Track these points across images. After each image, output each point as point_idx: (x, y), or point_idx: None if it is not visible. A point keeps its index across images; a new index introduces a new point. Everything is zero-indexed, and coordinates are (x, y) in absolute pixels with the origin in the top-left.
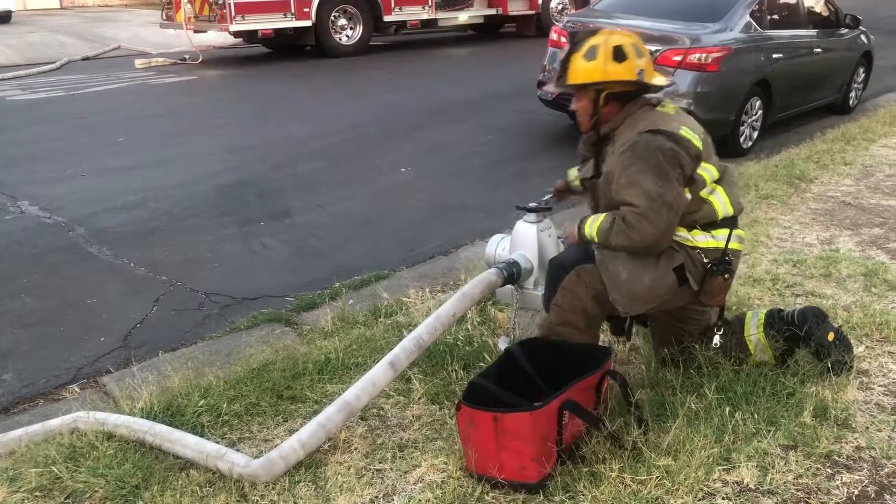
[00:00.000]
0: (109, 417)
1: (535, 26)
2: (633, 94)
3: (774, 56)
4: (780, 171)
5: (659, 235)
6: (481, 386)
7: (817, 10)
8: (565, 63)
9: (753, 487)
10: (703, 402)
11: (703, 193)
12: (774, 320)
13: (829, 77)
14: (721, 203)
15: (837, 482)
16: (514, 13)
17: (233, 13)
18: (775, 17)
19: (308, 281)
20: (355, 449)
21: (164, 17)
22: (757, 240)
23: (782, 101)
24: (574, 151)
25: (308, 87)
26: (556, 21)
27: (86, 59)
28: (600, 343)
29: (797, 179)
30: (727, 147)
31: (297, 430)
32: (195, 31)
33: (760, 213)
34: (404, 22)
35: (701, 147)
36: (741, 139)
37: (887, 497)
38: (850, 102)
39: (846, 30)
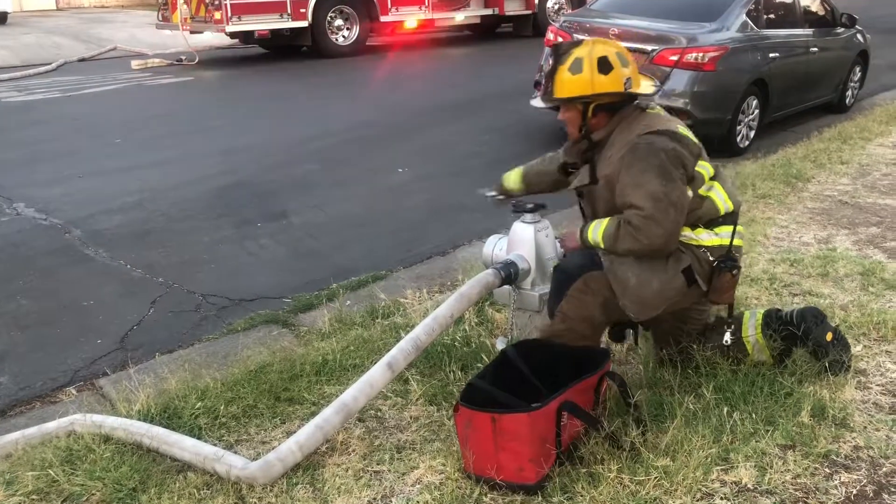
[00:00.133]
0: (106, 420)
1: (532, 26)
2: (620, 104)
3: (771, 55)
4: (776, 171)
5: (667, 236)
6: (479, 387)
7: (813, 9)
8: (551, 77)
9: (752, 487)
10: (702, 403)
11: (702, 191)
12: (772, 321)
13: (825, 76)
14: (721, 199)
15: (836, 482)
16: (511, 13)
17: (229, 14)
18: (772, 16)
19: (305, 282)
20: (353, 451)
21: (161, 18)
22: (754, 239)
23: (779, 100)
24: None
25: (304, 88)
26: (553, 21)
27: (82, 60)
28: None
29: (794, 179)
30: (724, 146)
31: (294, 431)
32: (191, 32)
33: (758, 213)
34: (401, 22)
35: (698, 144)
36: (738, 138)
37: (885, 496)
38: (847, 101)
39: (842, 29)
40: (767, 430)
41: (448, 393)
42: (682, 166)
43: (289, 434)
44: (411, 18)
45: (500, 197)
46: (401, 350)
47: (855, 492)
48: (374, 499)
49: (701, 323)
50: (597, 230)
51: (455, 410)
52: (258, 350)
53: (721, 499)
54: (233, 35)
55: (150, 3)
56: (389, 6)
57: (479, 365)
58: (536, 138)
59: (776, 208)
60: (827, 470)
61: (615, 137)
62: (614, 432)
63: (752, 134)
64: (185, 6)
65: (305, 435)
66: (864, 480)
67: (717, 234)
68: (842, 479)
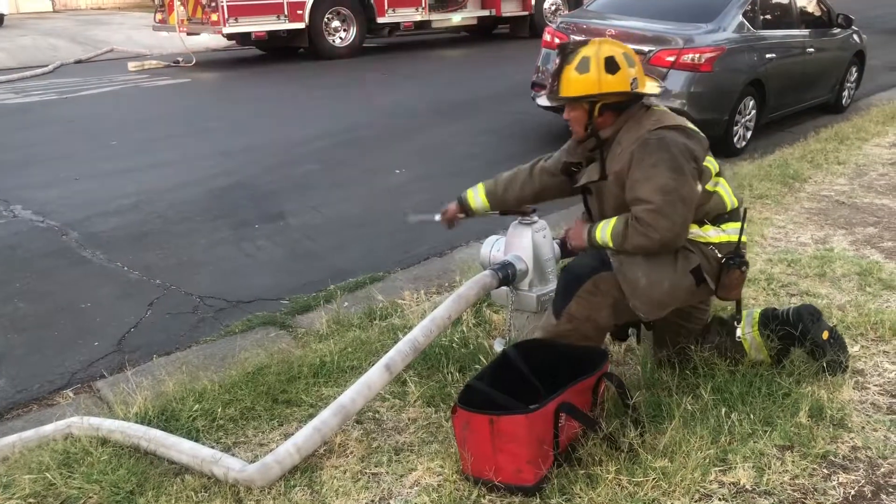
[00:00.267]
0: (104, 423)
1: (529, 27)
2: (626, 104)
3: (767, 56)
4: (773, 171)
5: (676, 230)
6: (477, 388)
7: (810, 9)
8: (557, 75)
9: (750, 488)
10: (700, 403)
11: (709, 186)
12: (769, 319)
13: (822, 76)
14: (728, 194)
15: (834, 482)
16: (508, 14)
17: (226, 15)
18: (768, 17)
19: (303, 283)
20: (351, 453)
21: (157, 20)
22: (751, 239)
23: (776, 100)
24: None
25: (302, 90)
26: (550, 22)
27: (78, 62)
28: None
29: (791, 179)
30: (721, 147)
31: (292, 434)
32: (188, 34)
33: (755, 213)
34: (398, 24)
35: (706, 139)
36: (735, 139)
37: (884, 497)
38: (843, 102)
39: (838, 29)
40: (765, 431)
41: (446, 394)
42: (694, 160)
43: (286, 436)
44: (408, 19)
45: (445, 221)
46: (399, 352)
47: (853, 492)
48: (373, 501)
49: (703, 322)
50: (605, 230)
51: (453, 412)
52: (256, 352)
53: (719, 500)
54: (230, 37)
55: (146, 4)
56: (386, 7)
57: (478, 366)
58: (533, 139)
59: (773, 209)
60: (825, 470)
61: (623, 135)
62: (612, 433)
63: (748, 134)
64: (181, 8)
65: (303, 437)
66: (863, 481)
67: (724, 231)
68: (840, 480)
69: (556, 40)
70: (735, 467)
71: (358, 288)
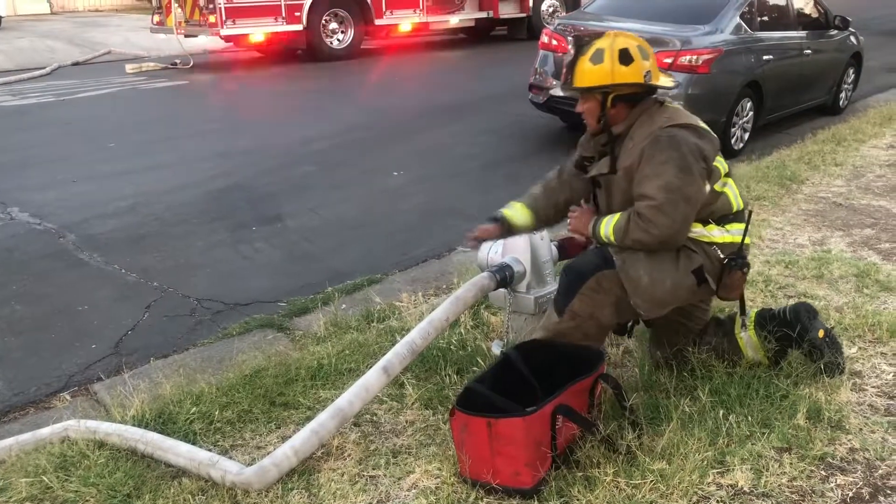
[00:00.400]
0: (101, 426)
1: (527, 29)
2: (640, 96)
3: (765, 57)
4: (771, 173)
5: (677, 227)
6: (475, 391)
7: (807, 11)
8: (572, 66)
9: (748, 490)
10: (697, 405)
11: (718, 186)
12: (766, 320)
13: (819, 78)
14: (735, 195)
15: (832, 484)
16: (505, 16)
17: (223, 17)
18: (765, 18)
19: (300, 286)
20: (349, 455)
21: (155, 22)
22: (749, 241)
23: (773, 102)
24: (567, 154)
25: (299, 91)
26: (547, 24)
27: (76, 64)
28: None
29: (788, 180)
30: None
31: (289, 436)
32: (186, 36)
33: (752, 215)
34: (395, 25)
35: (718, 138)
36: (732, 141)
37: (882, 499)
38: (841, 103)
39: (836, 31)
40: (763, 433)
41: (444, 397)
42: (703, 160)
43: (284, 439)
44: (406, 21)
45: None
46: (396, 354)
47: (851, 494)
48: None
49: (703, 322)
50: (609, 225)
51: (451, 415)
52: (253, 354)
53: (717, 502)
54: (227, 39)
55: (144, 6)
56: (384, 9)
57: (475, 368)
58: (531, 140)
59: (771, 210)
60: (823, 472)
61: (635, 130)
62: (610, 435)
63: (746, 136)
64: (179, 10)
65: (301, 440)
66: (860, 483)
67: (728, 231)
68: (838, 482)
69: (554, 42)
70: (733, 469)
71: (356, 290)
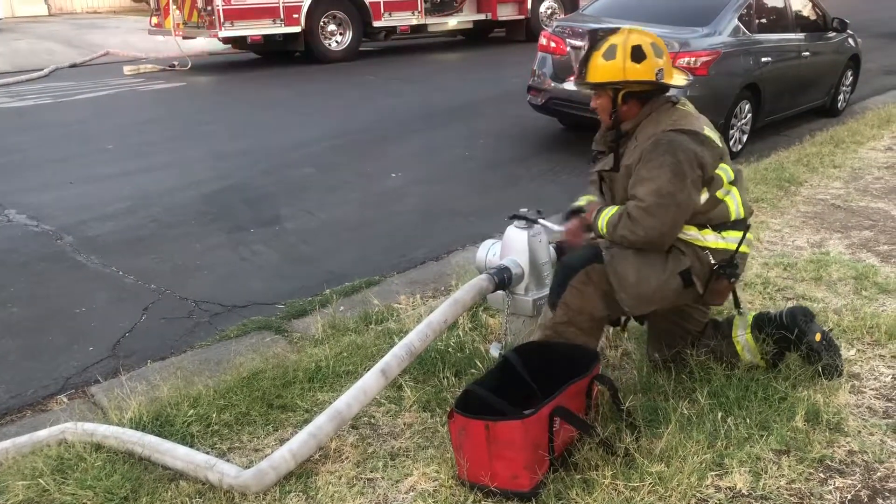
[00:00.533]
0: (98, 428)
1: (525, 31)
2: (651, 93)
3: (763, 60)
4: (769, 175)
5: (662, 231)
6: (475, 393)
7: (805, 13)
8: (585, 61)
9: (746, 493)
10: (696, 408)
11: (720, 194)
12: (763, 322)
13: (817, 80)
14: (735, 204)
15: (830, 487)
16: (504, 18)
17: (222, 19)
18: (763, 20)
19: (298, 288)
20: (346, 458)
21: (153, 24)
22: (748, 250)
23: (771, 104)
24: (565, 156)
25: (298, 93)
26: (546, 26)
27: (73, 66)
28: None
29: (787, 182)
30: None
31: (287, 439)
32: (184, 38)
33: (749, 228)
34: (394, 27)
35: (722, 146)
36: (731, 143)
37: (880, 501)
38: (839, 105)
39: (834, 33)
40: (762, 436)
41: (442, 399)
42: (700, 167)
43: (282, 442)
44: (404, 23)
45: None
46: (394, 356)
47: (849, 497)
48: None
49: (702, 324)
50: (605, 216)
51: (450, 417)
52: (251, 357)
53: None
54: (226, 41)
55: (142, 8)
56: (382, 11)
57: (474, 371)
58: (530, 142)
59: (769, 212)
60: (821, 475)
61: (641, 130)
62: (608, 438)
63: (744, 138)
64: (177, 12)
65: (298, 442)
66: (859, 485)
67: (723, 238)
68: (836, 484)
69: (553, 44)
70: (731, 472)
71: (354, 292)
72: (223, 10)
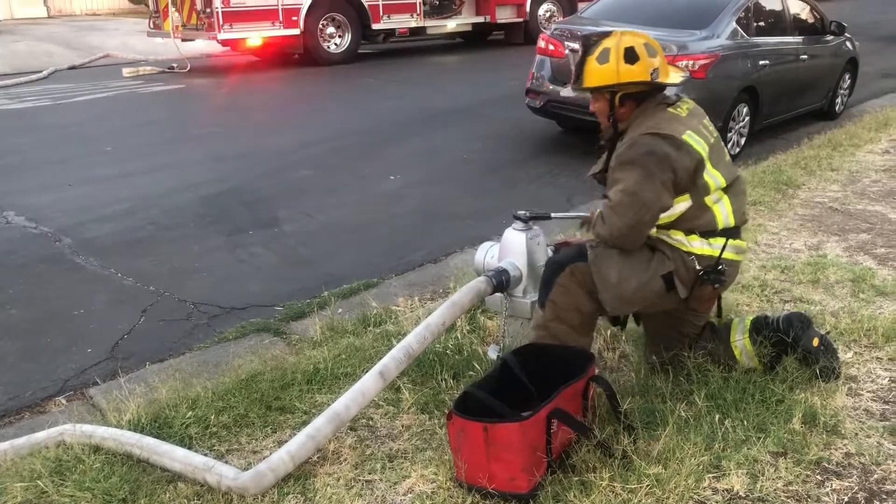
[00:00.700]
0: (96, 430)
1: (524, 34)
2: (648, 94)
3: (761, 63)
4: (767, 177)
5: (625, 230)
6: (474, 395)
7: (803, 17)
8: (580, 66)
9: (744, 495)
10: (693, 410)
11: (708, 201)
12: (761, 327)
13: (815, 83)
14: (724, 213)
15: (827, 489)
16: (503, 21)
17: (220, 22)
18: (761, 24)
19: (296, 290)
20: (345, 460)
21: (152, 26)
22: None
23: (769, 107)
24: (564, 159)
25: (296, 96)
26: (544, 29)
27: (72, 67)
28: (594, 346)
29: (784, 185)
30: None
31: (286, 441)
32: (183, 40)
33: (748, 220)
34: (393, 30)
35: (703, 152)
36: (729, 146)
37: (877, 503)
38: (837, 108)
39: (832, 36)
40: (759, 438)
41: (440, 401)
42: (672, 171)
43: (280, 443)
44: (403, 26)
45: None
46: (392, 358)
47: (846, 499)
48: None
49: (698, 328)
50: (594, 217)
51: (448, 419)
52: (249, 359)
53: None
54: (224, 43)
55: (141, 10)
56: (381, 14)
57: (472, 373)
58: (528, 144)
59: (767, 215)
60: (819, 477)
61: (630, 131)
62: (606, 440)
63: (742, 141)
64: (176, 14)
65: (297, 444)
66: (856, 487)
67: (710, 245)
68: (833, 487)
69: (551, 47)
70: (729, 474)
71: (352, 294)
72: (222, 12)
